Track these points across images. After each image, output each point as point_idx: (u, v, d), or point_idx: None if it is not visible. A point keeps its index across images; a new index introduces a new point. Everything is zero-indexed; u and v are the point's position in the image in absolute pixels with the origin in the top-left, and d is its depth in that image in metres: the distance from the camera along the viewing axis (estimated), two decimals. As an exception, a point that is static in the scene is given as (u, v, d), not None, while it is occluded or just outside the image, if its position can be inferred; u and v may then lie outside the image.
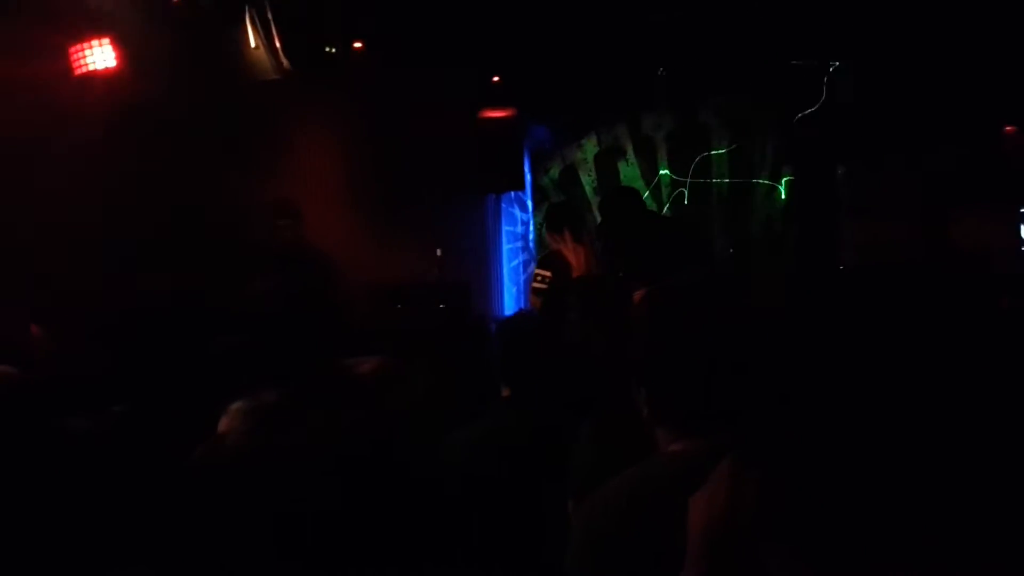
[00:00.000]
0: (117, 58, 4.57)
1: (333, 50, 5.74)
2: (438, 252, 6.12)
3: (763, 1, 5.59)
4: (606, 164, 8.01)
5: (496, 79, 6.84)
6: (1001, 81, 5.89)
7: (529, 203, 8.22)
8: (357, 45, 5.79)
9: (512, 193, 7.89)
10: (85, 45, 4.57)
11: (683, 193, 7.86)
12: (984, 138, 6.39)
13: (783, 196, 7.32)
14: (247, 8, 5.02)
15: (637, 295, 5.13)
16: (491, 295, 7.61)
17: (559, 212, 5.54)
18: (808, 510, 1.59)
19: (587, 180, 8.11)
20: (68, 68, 4.55)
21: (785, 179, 7.36)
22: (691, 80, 7.07)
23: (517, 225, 8.15)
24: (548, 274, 5.56)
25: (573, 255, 5.16)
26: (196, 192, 4.99)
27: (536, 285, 5.63)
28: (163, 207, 4.80)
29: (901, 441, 2.36)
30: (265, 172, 5.55)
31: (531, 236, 8.28)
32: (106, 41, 4.57)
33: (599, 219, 7.94)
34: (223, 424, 2.02)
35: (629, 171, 7.95)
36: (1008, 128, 6.48)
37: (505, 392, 2.58)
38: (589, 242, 5.43)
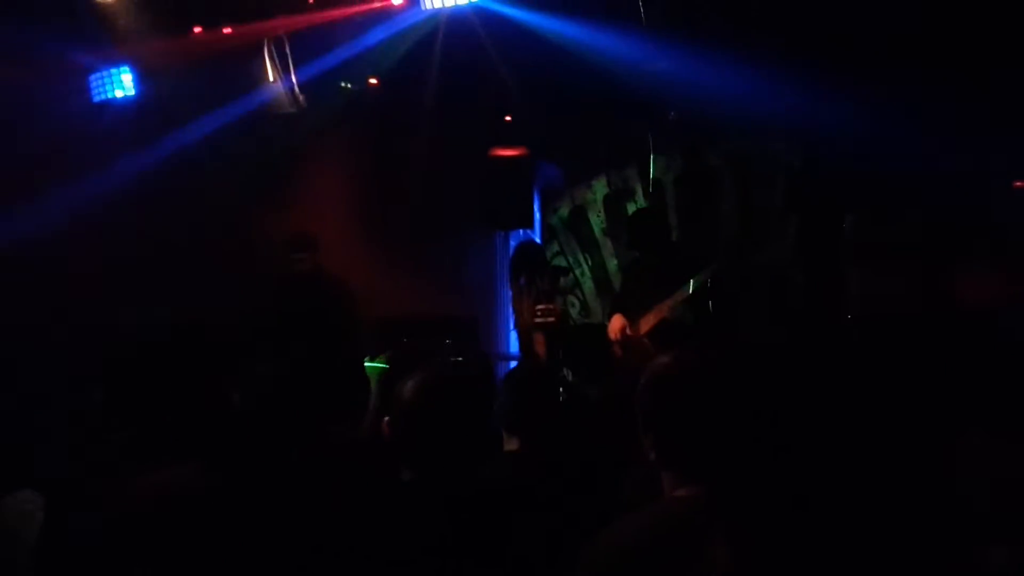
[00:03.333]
0: (136, 86, 4.65)
1: (349, 86, 5.81)
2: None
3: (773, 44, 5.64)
4: (615, 205, 8.04)
5: (508, 118, 6.90)
6: (1010, 133, 5.92)
7: (538, 241, 8.26)
8: (372, 81, 5.87)
9: (521, 231, 7.93)
10: (105, 72, 4.65)
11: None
12: (992, 193, 6.41)
13: (790, 243, 7.34)
14: (266, 42, 5.10)
15: (644, 325, 5.19)
16: (498, 331, 7.62)
17: (516, 257, 5.55)
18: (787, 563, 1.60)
19: (596, 221, 8.14)
20: (87, 93, 4.63)
21: (792, 226, 7.39)
22: (701, 123, 7.12)
23: (525, 263, 8.18)
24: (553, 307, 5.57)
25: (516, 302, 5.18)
26: (211, 222, 5.03)
27: (539, 320, 5.59)
28: (178, 236, 4.84)
29: (895, 497, 2.36)
30: (278, 205, 5.60)
31: (538, 274, 8.30)
32: (126, 68, 4.65)
33: (612, 256, 7.99)
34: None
35: (638, 213, 7.98)
36: (1017, 183, 6.50)
37: (511, 445, 2.53)
38: (539, 291, 5.45)
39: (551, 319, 5.59)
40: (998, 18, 5.10)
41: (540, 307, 5.63)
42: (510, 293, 6.04)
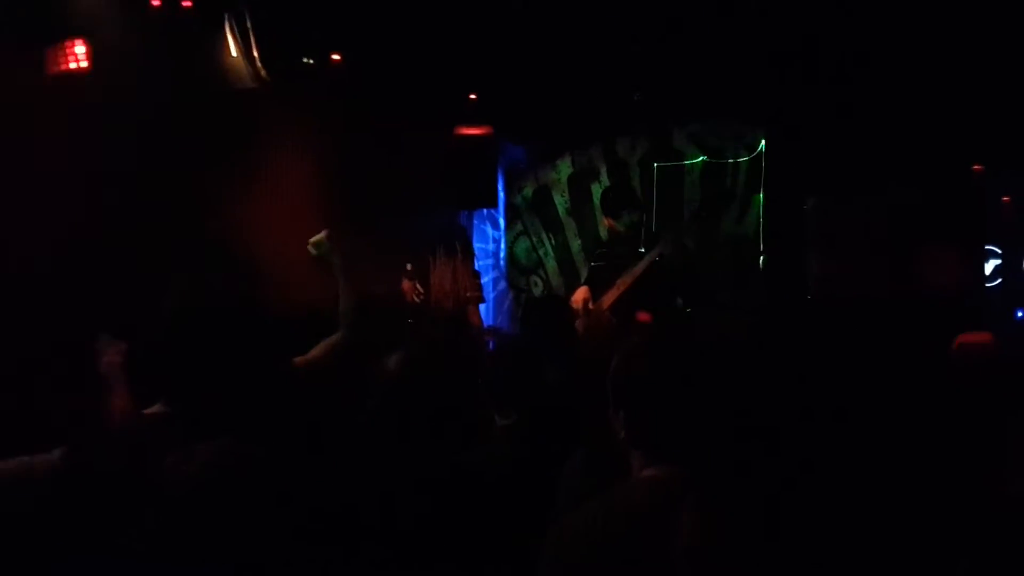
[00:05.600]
0: (91, 59, 4.52)
1: (311, 61, 5.72)
2: (408, 267, 6.10)
3: (741, 29, 5.66)
4: (579, 186, 8.04)
5: (473, 97, 6.86)
6: (971, 120, 6.01)
7: (501, 221, 8.24)
8: (335, 57, 5.78)
9: (485, 211, 7.90)
10: (59, 46, 4.52)
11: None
12: (952, 176, 6.50)
13: (753, 224, 7.39)
14: (227, 16, 4.99)
15: (606, 300, 5.27)
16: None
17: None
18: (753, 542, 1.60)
19: (560, 201, 8.14)
20: (41, 67, 4.49)
21: (756, 207, 7.44)
22: (666, 105, 7.13)
23: (488, 243, 8.16)
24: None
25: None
26: (167, 200, 4.93)
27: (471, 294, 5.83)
28: (127, 212, 4.73)
29: (859, 476, 2.38)
30: (235, 182, 5.50)
31: (502, 254, 8.29)
32: (80, 42, 4.52)
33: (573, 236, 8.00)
34: None
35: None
36: (976, 167, 6.60)
37: (503, 420, 2.53)
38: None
39: (479, 292, 5.86)
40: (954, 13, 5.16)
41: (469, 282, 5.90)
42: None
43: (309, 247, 3.41)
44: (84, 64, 4.52)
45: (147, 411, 2.30)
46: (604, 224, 5.85)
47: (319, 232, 3.52)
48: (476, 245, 7.88)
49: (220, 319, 2.31)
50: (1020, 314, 7.05)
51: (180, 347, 2.27)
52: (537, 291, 8.18)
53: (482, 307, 7.74)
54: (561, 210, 8.13)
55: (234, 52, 5.00)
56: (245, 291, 2.49)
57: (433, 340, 2.36)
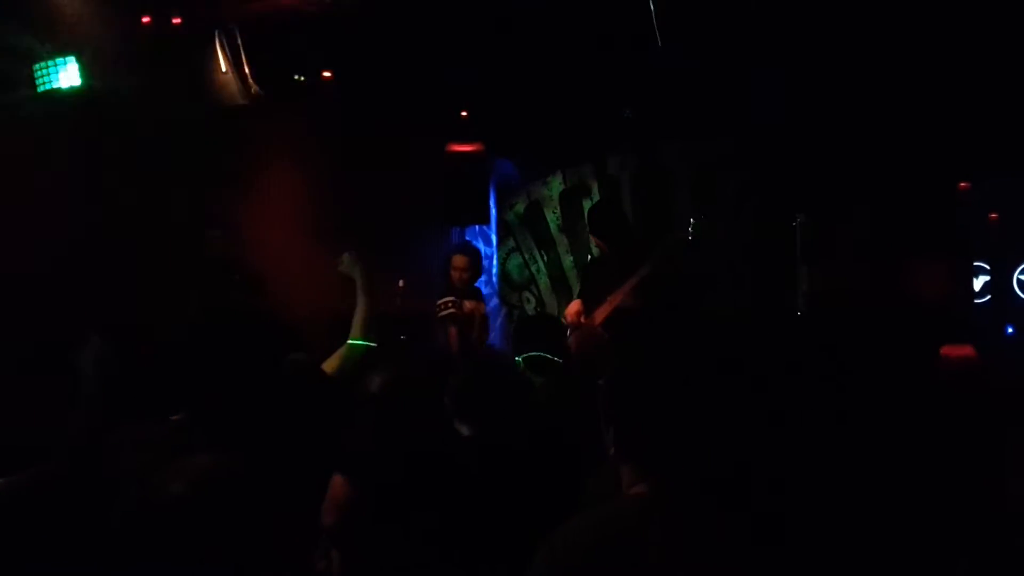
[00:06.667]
0: (82, 76, 4.53)
1: (302, 78, 5.74)
2: (400, 283, 6.09)
3: (730, 52, 5.70)
4: (571, 202, 8.06)
5: (464, 114, 6.88)
6: (959, 135, 6.05)
7: (493, 237, 8.24)
8: (326, 74, 5.80)
9: (476, 227, 7.90)
10: (50, 61, 4.52)
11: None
12: (940, 193, 6.54)
13: (743, 239, 7.41)
14: (217, 33, 5.01)
15: (598, 315, 5.26)
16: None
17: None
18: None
19: (551, 217, 8.15)
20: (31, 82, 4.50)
21: (746, 222, 7.47)
22: (656, 122, 7.17)
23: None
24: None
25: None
26: (160, 217, 4.93)
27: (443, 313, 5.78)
28: (120, 229, 4.73)
29: (849, 486, 2.39)
30: (228, 197, 5.50)
31: (494, 270, 8.28)
32: (71, 58, 4.52)
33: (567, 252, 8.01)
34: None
35: (593, 209, 8.00)
36: (962, 184, 6.64)
37: (463, 431, 2.53)
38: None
39: (452, 310, 5.84)
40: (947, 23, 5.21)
41: (441, 301, 5.87)
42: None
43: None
44: (76, 81, 4.53)
45: (173, 418, 2.31)
46: (593, 243, 5.83)
47: (309, 247, 3.57)
48: (468, 261, 7.88)
49: (243, 329, 2.33)
50: (1010, 330, 7.08)
51: (203, 356, 2.28)
52: (530, 308, 8.18)
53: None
54: (553, 227, 8.14)
55: (224, 68, 5.01)
56: (258, 303, 2.51)
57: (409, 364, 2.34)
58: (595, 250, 6.06)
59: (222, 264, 4.93)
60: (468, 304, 6.00)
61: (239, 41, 5.01)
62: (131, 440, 2.17)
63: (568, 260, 8.03)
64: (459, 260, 6.07)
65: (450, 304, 5.94)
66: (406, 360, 3.53)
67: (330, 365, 3.11)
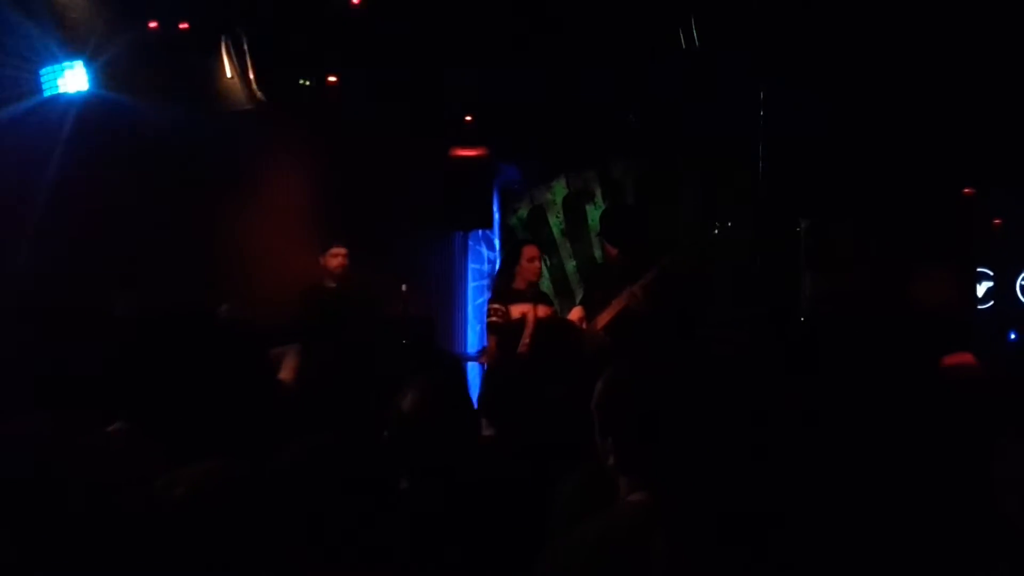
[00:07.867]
0: (88, 81, 4.56)
1: (307, 83, 5.76)
2: (403, 287, 6.10)
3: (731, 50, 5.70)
4: (574, 207, 8.06)
5: (468, 118, 6.89)
6: (962, 142, 6.05)
7: (496, 242, 8.25)
8: (331, 79, 5.82)
9: (480, 231, 7.91)
10: (57, 65, 4.55)
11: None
12: (944, 198, 6.54)
13: (747, 245, 7.41)
14: (223, 38, 5.03)
15: (601, 320, 5.26)
16: (454, 332, 7.60)
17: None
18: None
19: (555, 222, 8.16)
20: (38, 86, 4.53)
21: (750, 228, 7.46)
22: (661, 127, 7.17)
23: (483, 263, 8.17)
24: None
25: None
26: (164, 220, 4.95)
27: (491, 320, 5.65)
28: (126, 231, 4.75)
29: (850, 494, 2.39)
30: (232, 201, 5.53)
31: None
32: (78, 63, 4.55)
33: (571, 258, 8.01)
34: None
35: (597, 214, 8.00)
36: (967, 190, 6.64)
37: (487, 431, 2.56)
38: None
39: (495, 319, 5.65)
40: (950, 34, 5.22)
41: (490, 306, 5.75)
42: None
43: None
44: (82, 86, 4.56)
45: (109, 428, 2.23)
46: (605, 249, 5.79)
47: (312, 250, 3.55)
48: (471, 266, 7.90)
49: (182, 331, 2.28)
50: (1013, 336, 7.07)
51: (142, 360, 2.24)
52: (532, 312, 8.17)
53: (476, 327, 7.76)
54: (556, 231, 8.14)
55: (230, 73, 5.03)
56: (225, 306, 2.47)
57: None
58: (600, 255, 6.05)
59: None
60: (516, 310, 5.64)
61: (245, 46, 5.04)
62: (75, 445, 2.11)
63: (571, 265, 8.03)
64: (531, 250, 5.75)
65: (497, 311, 5.69)
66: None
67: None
